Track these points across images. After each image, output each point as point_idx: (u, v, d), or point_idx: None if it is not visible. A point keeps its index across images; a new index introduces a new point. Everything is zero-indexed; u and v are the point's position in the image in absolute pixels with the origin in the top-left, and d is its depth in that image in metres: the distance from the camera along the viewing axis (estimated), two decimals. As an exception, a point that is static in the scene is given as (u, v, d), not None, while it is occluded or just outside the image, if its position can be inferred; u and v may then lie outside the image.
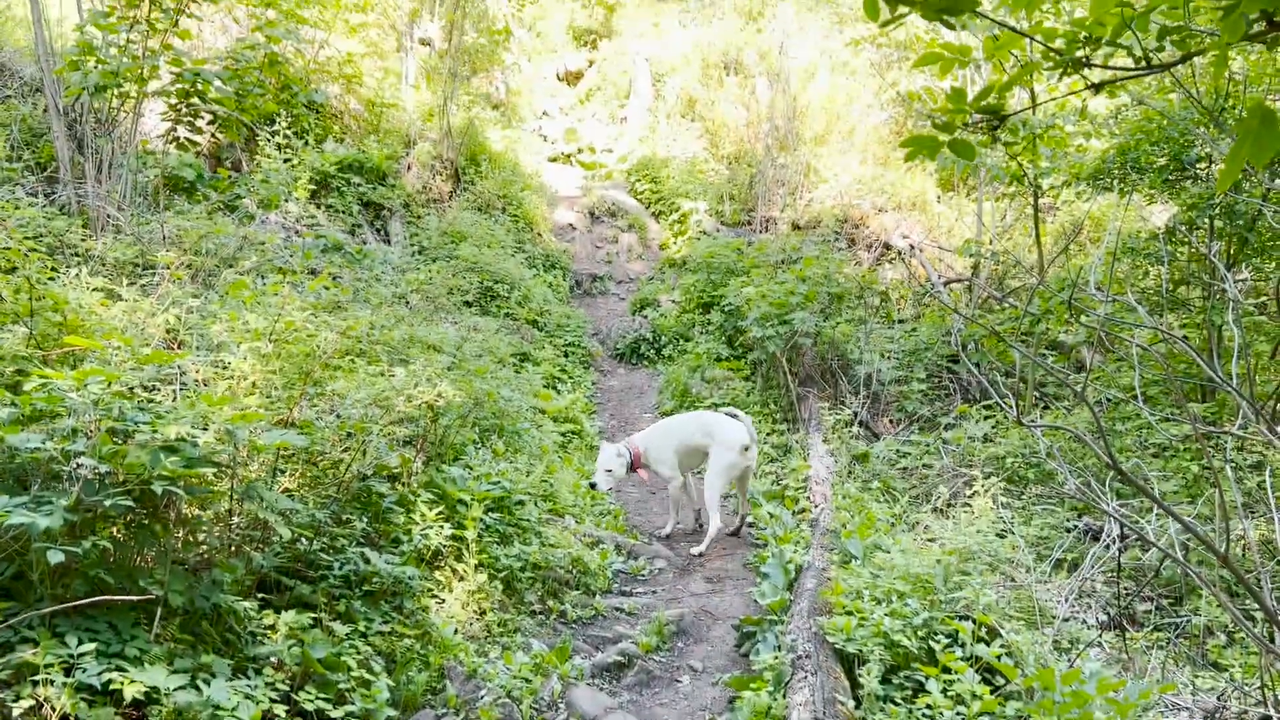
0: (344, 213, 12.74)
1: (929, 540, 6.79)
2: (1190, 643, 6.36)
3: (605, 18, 25.29)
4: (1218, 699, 4.73)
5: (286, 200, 10.73)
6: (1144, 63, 2.11)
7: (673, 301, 14.64)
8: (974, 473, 7.64)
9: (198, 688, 3.40)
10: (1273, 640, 4.51)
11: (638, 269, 17.04)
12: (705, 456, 8.09)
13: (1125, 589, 6.93)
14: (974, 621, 4.74)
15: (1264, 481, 7.62)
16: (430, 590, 5.15)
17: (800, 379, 10.76)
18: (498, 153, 16.76)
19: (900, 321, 12.99)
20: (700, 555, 7.29)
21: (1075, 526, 7.66)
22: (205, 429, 3.66)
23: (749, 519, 7.90)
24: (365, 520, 5.05)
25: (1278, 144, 1.44)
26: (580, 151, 21.34)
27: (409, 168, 14.74)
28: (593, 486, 7.36)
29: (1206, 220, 6.86)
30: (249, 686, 3.67)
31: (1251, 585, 3.07)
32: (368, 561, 4.68)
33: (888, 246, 15.32)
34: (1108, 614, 6.87)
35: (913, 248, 14.81)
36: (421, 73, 16.77)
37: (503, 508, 6.08)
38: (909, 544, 6.10)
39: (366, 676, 4.09)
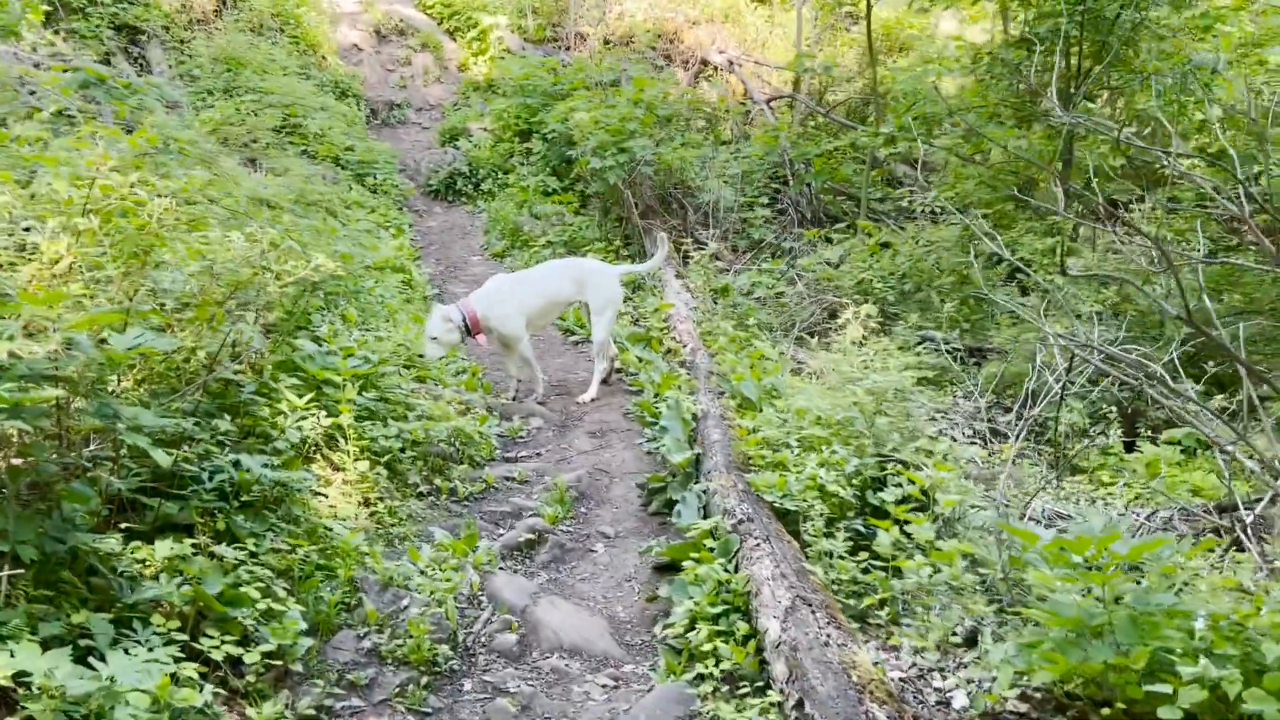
0: (92, 39, 10.77)
1: (811, 375, 6.68)
2: (1052, 447, 6.63)
3: None
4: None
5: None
6: None
7: (485, 130, 13.61)
8: (843, 300, 7.56)
9: (88, 663, 2.72)
10: None
11: (437, 94, 15.70)
12: (564, 308, 7.58)
13: (988, 402, 7.13)
14: (905, 464, 4.63)
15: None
16: (311, 488, 4.49)
17: (640, 210, 10.28)
18: (265, -38, 14.63)
19: (725, 143, 12.65)
20: (593, 401, 6.97)
21: (921, 340, 7.81)
22: (33, 339, 2.81)
23: (617, 363, 7.54)
24: (225, 416, 4.27)
25: None
26: (355, -40, 19.08)
27: (163, -19, 12.61)
28: (420, 357, 6.64)
29: (1063, 30, 6.73)
30: (140, 644, 3.02)
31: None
32: (241, 467, 3.96)
33: (704, 63, 14.75)
34: (973, 429, 7.11)
35: (731, 63, 14.31)
36: None
37: (371, 384, 5.39)
38: (806, 384, 5.95)
39: (274, 606, 3.48)
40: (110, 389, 3.74)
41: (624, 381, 7.42)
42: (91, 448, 3.41)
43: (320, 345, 5.38)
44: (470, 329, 6.76)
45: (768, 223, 10.43)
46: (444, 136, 13.76)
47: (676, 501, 5.03)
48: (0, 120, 6.01)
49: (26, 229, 3.87)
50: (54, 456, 3.38)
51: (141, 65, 11.43)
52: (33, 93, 7.47)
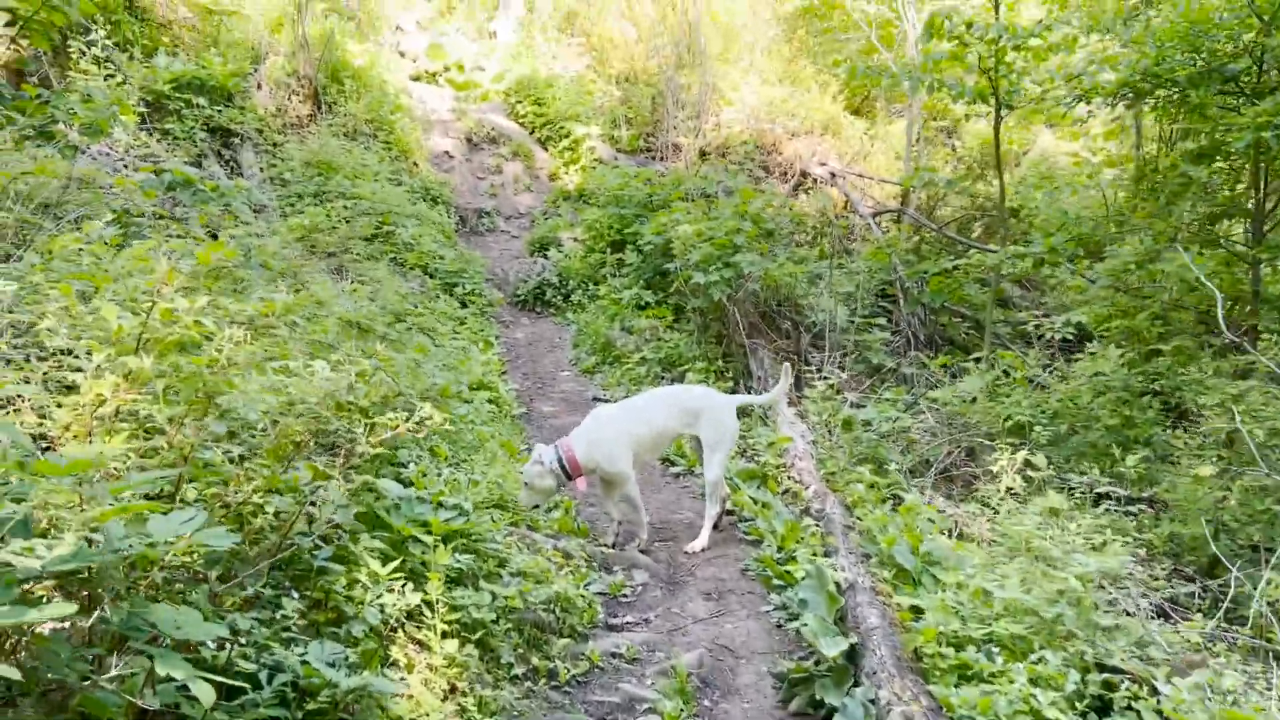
0: (185, 140, 10.56)
1: (971, 539, 5.72)
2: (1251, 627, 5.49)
3: (465, -80, 22.80)
4: None
5: (114, 125, 8.55)
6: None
7: (575, 240, 13.10)
8: (992, 442, 6.61)
9: None
10: None
11: (527, 202, 15.35)
12: (671, 441, 6.76)
13: (1164, 568, 6.04)
14: (1134, 680, 3.63)
15: None
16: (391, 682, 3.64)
17: (745, 329, 9.51)
18: (361, 69, 14.59)
19: (828, 258, 11.92)
20: (704, 550, 6.12)
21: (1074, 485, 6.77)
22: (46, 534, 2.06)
23: (729, 504, 6.65)
24: (291, 591, 3.49)
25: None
26: (448, 70, 19.13)
27: (259, 86, 12.53)
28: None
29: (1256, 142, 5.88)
30: None
31: None
32: (309, 666, 3.14)
33: (804, 175, 14.16)
34: (1149, 601, 6.01)
35: (833, 175, 13.70)
36: (265, -26, 14.31)
37: (463, 537, 4.58)
38: (972, 551, 4.98)
39: None
40: (155, 563, 2.99)
41: (738, 528, 6.51)
42: (124, 656, 2.63)
43: (408, 488, 4.61)
44: (569, 472, 5.96)
45: (884, 345, 9.57)
46: (533, 246, 13.30)
47: (828, 704, 4.07)
48: (75, 224, 5.52)
49: (70, 352, 3.20)
50: (73, 658, 2.60)
51: (232, 167, 11.19)
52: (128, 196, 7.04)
